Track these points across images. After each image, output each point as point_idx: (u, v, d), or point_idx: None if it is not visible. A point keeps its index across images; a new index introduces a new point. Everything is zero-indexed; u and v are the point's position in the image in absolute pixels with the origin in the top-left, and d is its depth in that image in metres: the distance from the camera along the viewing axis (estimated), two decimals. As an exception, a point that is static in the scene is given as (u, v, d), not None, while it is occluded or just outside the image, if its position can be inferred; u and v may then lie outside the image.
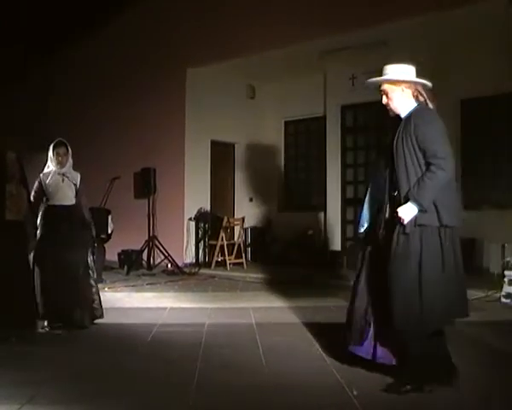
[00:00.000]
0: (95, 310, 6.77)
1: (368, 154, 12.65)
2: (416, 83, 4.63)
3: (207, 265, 12.36)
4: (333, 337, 6.08)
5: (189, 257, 12.64)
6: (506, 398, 4.31)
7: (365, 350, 4.71)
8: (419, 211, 4.35)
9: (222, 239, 12.09)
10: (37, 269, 6.53)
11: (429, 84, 4.67)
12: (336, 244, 12.62)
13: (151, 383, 4.69)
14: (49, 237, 6.65)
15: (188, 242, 12.69)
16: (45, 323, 6.47)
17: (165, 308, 7.98)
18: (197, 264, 12.45)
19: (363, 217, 5.00)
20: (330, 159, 12.86)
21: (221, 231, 12.14)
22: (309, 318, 7.15)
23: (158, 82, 12.90)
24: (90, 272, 6.82)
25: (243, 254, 12.43)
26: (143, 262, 12.31)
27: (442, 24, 9.84)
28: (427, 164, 4.38)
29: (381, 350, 4.66)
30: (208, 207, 12.98)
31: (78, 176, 6.90)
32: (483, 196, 10.92)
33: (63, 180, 6.76)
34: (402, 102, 4.63)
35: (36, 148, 14.64)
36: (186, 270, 11.80)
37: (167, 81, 12.81)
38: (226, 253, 12.06)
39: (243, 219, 12.80)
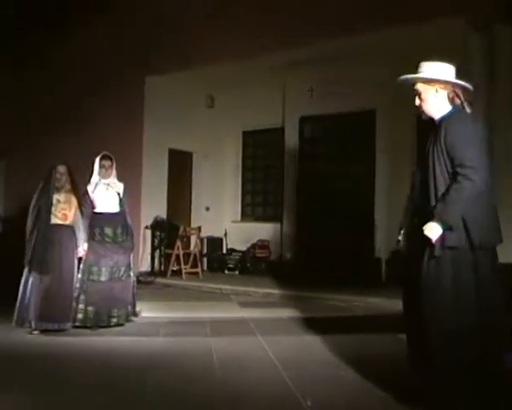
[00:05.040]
0: (130, 310, 7.44)
1: (325, 165, 12.75)
2: (453, 84, 4.17)
3: (163, 274, 12.28)
4: (287, 348, 6.14)
5: (145, 266, 12.53)
6: None
7: None
8: (445, 230, 3.85)
9: (178, 248, 12.04)
10: (82, 270, 7.19)
11: (470, 86, 4.23)
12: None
13: (105, 392, 4.67)
14: (95, 240, 7.28)
15: (143, 250, 12.57)
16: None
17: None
18: (153, 273, 12.37)
19: (400, 226, 4.45)
20: (288, 170, 12.92)
21: (177, 240, 12.08)
22: (265, 328, 7.17)
23: (117, 89, 12.78)
24: (131, 274, 7.52)
25: (199, 264, 12.38)
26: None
27: (400, 39, 9.93)
28: (454, 174, 3.89)
29: None
30: (165, 216, 12.90)
31: (122, 186, 7.58)
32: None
33: (107, 189, 7.43)
34: (436, 104, 4.18)
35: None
36: (141, 279, 11.71)
37: (126, 89, 12.69)
38: (182, 262, 12.01)
39: (199, 228, 12.78)
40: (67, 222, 7.09)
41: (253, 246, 13.18)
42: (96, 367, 5.45)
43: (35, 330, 6.79)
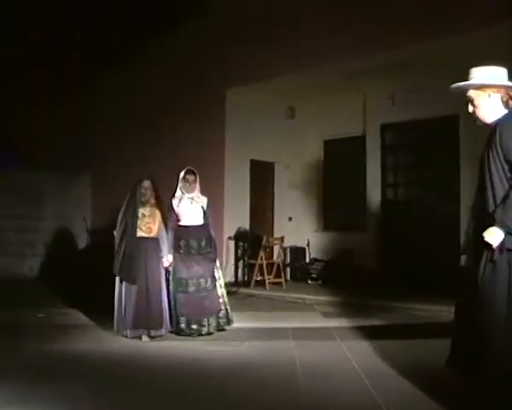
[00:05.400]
0: (219, 319, 7.65)
1: (408, 173, 12.61)
2: (506, 87, 4.08)
3: (246, 284, 12.38)
4: (371, 356, 6.13)
5: (229, 276, 12.63)
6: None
7: None
8: (506, 234, 3.78)
9: (261, 258, 12.11)
10: (170, 282, 7.54)
11: None
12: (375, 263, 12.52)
13: (185, 399, 4.79)
14: (180, 253, 7.59)
15: (227, 261, 12.68)
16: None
17: (204, 327, 8.07)
18: (236, 283, 12.49)
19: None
20: (370, 178, 12.85)
21: (260, 250, 12.17)
22: (349, 337, 7.16)
23: (198, 103, 13.01)
24: (218, 284, 7.73)
25: (282, 274, 12.40)
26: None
27: (483, 43, 9.71)
28: None
29: None
30: (248, 227, 13.02)
31: (206, 200, 7.82)
32: None
33: (192, 202, 7.69)
34: (490, 109, 4.09)
35: (79, 171, 15.15)
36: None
37: (207, 102, 12.92)
38: (265, 272, 12.07)
39: (282, 238, 12.82)
40: (152, 235, 7.41)
41: (336, 255, 13.06)
42: (179, 374, 5.59)
43: (129, 336, 7.16)
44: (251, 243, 12.77)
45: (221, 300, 7.74)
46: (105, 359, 6.26)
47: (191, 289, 7.49)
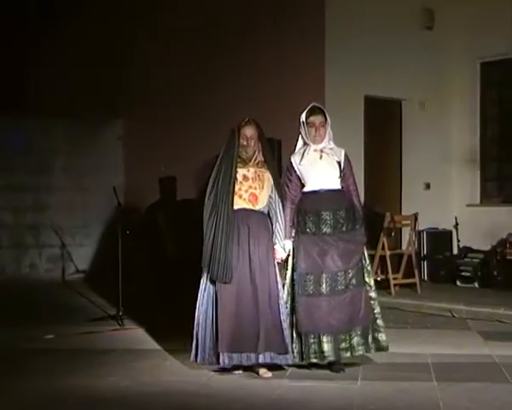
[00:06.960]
0: (374, 337, 7.29)
1: None
2: None
3: (362, 286, 11.94)
4: None
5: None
6: None
7: None
8: None
9: (383, 247, 11.93)
10: (289, 279, 7.37)
11: None
12: None
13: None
14: (307, 233, 7.28)
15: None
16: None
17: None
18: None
19: None
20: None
21: (381, 234, 11.97)
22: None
23: (284, 14, 12.86)
24: (366, 282, 7.36)
25: (416, 272, 12.23)
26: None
27: None
28: None
29: None
30: (361, 199, 12.33)
31: (342, 152, 7.53)
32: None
33: (321, 157, 7.37)
34: None
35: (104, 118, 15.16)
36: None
37: (298, 11, 12.64)
38: (389, 269, 11.86)
39: (416, 216, 12.51)
40: (258, 207, 7.25)
41: (503, 243, 12.64)
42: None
43: (225, 364, 6.99)
44: (367, 223, 12.06)
45: (374, 308, 7.39)
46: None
47: (324, 289, 7.17)
